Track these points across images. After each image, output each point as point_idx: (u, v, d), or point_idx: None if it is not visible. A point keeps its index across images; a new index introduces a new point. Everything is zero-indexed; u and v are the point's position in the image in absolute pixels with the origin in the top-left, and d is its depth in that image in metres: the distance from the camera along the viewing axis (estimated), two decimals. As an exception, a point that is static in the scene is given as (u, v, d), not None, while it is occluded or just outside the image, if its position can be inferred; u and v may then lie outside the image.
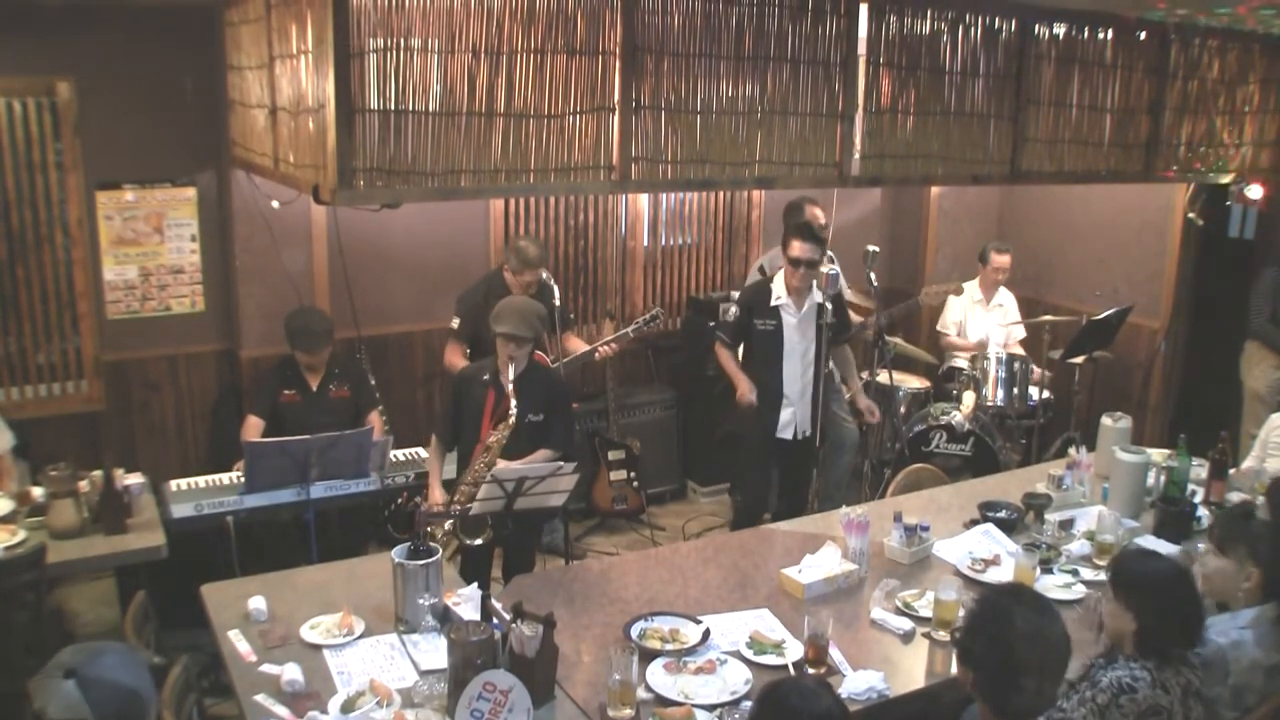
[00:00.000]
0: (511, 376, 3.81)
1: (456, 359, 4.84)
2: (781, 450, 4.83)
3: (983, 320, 6.15)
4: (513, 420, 3.81)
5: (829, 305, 4.54)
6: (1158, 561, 2.69)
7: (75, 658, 1.99)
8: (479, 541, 3.79)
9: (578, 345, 5.20)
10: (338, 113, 3.22)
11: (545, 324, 4.12)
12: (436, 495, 4.02)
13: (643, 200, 6.09)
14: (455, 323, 4.91)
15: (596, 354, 5.13)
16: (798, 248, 4.54)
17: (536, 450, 3.92)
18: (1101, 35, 4.76)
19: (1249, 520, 3.00)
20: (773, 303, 4.68)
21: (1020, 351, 5.97)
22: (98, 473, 3.84)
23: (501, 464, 3.77)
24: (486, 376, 3.98)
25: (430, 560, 2.99)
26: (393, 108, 3.32)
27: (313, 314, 4.71)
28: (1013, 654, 2.24)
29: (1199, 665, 2.60)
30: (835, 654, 2.90)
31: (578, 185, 3.77)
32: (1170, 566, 2.65)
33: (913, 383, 6.14)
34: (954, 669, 2.85)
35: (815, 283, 4.61)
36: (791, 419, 4.74)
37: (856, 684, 2.75)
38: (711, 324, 5.80)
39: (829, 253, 4.73)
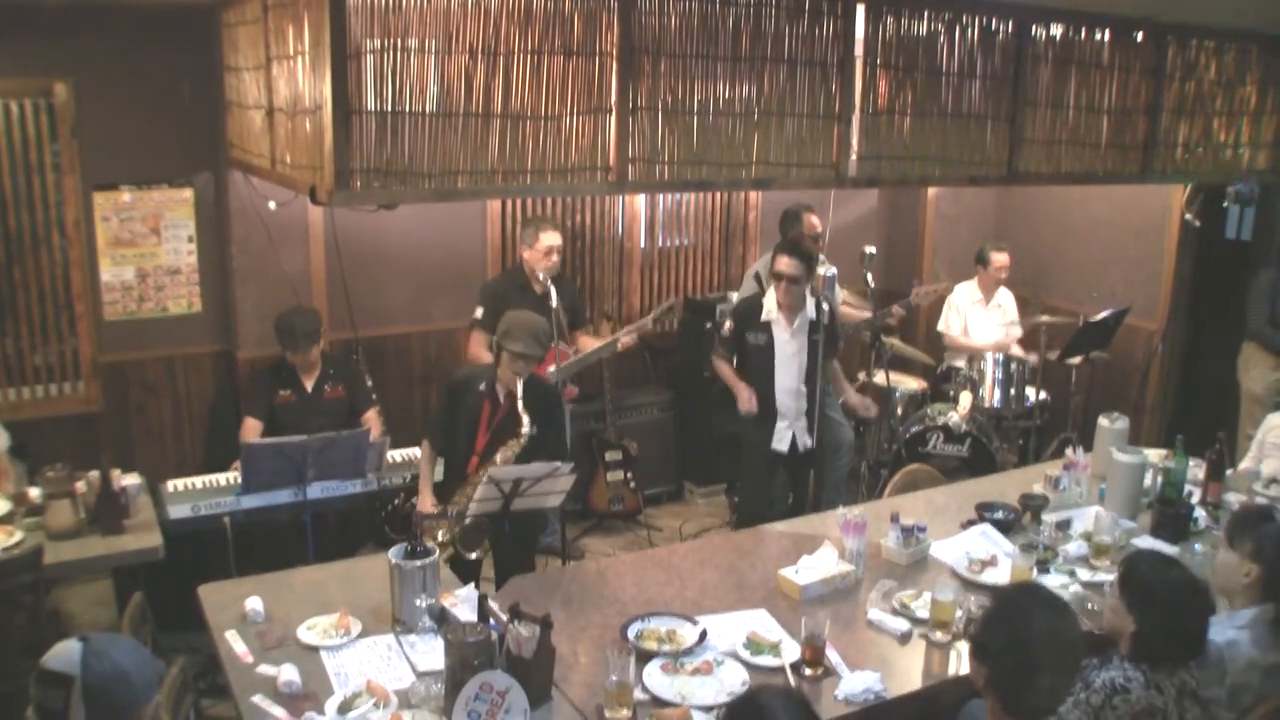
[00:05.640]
0: (520, 393, 3.80)
1: (481, 350, 4.78)
2: (780, 461, 4.72)
3: (982, 320, 6.15)
4: (524, 439, 3.81)
5: (826, 314, 4.48)
6: (1172, 571, 2.62)
7: (98, 634, 2.05)
8: (474, 555, 3.75)
9: (590, 341, 5.21)
10: (335, 114, 3.21)
11: (548, 337, 4.13)
12: (427, 501, 3.97)
13: (639, 201, 6.09)
14: (479, 312, 4.84)
15: (619, 344, 5.11)
16: (783, 262, 4.47)
17: (531, 461, 3.86)
18: (1099, 36, 4.76)
19: (1264, 520, 2.98)
20: (764, 317, 4.59)
21: (1018, 352, 5.97)
22: (95, 473, 3.84)
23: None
24: (483, 386, 3.93)
25: (427, 561, 2.99)
26: (390, 109, 3.31)
27: (299, 314, 4.67)
28: (1029, 652, 2.23)
29: (1195, 666, 2.60)
30: (832, 655, 2.89)
31: (574, 186, 3.77)
32: (1184, 578, 2.59)
33: (910, 383, 6.14)
34: (951, 670, 2.86)
35: (808, 293, 4.53)
36: (788, 431, 4.62)
37: (853, 685, 2.75)
38: (709, 325, 5.81)
39: (821, 255, 4.72)
